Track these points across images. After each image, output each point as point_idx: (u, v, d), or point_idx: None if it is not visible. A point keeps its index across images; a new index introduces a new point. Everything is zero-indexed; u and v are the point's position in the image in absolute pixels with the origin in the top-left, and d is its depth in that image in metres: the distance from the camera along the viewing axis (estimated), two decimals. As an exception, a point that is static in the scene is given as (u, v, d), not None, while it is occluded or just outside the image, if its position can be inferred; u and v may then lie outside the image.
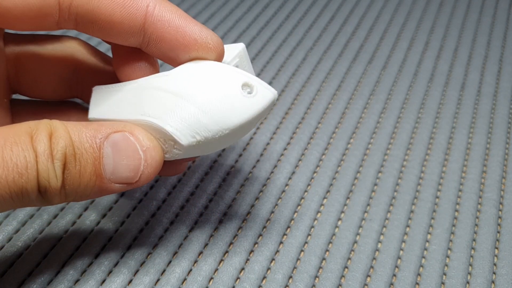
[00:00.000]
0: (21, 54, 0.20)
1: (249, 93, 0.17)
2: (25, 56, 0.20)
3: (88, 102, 0.21)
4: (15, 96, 0.21)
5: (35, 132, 0.16)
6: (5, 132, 0.16)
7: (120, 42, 0.18)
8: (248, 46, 0.33)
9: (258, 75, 0.31)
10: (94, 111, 0.19)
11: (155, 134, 0.17)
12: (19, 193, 0.15)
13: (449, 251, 0.22)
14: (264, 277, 0.21)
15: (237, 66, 0.19)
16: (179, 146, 0.17)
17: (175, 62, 0.18)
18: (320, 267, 0.21)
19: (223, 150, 0.26)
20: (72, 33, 0.33)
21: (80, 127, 0.17)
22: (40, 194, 0.16)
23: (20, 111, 0.21)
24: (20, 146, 0.15)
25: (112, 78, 0.20)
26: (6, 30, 0.20)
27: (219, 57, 0.18)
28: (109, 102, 0.18)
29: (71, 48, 0.21)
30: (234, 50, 0.19)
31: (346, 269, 0.21)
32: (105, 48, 0.32)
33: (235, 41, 0.34)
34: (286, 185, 0.24)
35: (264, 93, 0.17)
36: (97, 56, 0.21)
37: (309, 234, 0.22)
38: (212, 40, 0.18)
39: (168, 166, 0.20)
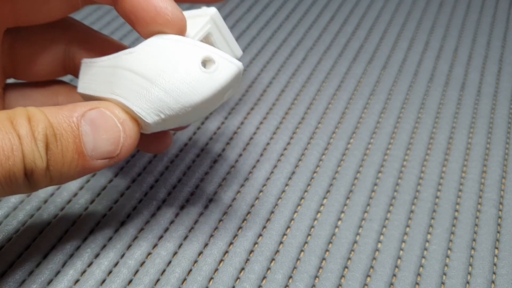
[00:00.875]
0: (16, 41, 0.20)
1: (209, 68, 0.17)
2: (19, 43, 0.20)
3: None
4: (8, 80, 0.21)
5: (13, 118, 0.16)
6: None
7: (96, 1, 0.19)
8: (248, 46, 0.33)
9: (258, 75, 0.31)
10: (81, 86, 0.20)
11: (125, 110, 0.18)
12: (7, 177, 0.16)
13: (449, 251, 0.22)
14: (264, 277, 0.21)
15: (208, 34, 0.19)
16: (146, 123, 0.18)
17: (134, 26, 0.19)
18: (320, 267, 0.21)
19: (223, 150, 0.26)
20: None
21: (55, 109, 0.17)
22: (27, 178, 0.16)
23: (9, 95, 0.21)
24: (4, 130, 0.16)
25: (104, 54, 0.21)
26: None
27: (179, 28, 0.18)
28: (92, 78, 0.19)
29: (63, 27, 0.21)
30: (204, 18, 0.18)
31: (346, 269, 0.21)
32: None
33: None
34: (286, 185, 0.24)
35: (226, 66, 0.17)
36: (87, 31, 0.21)
37: (309, 234, 0.22)
38: (172, 11, 0.18)
39: (149, 143, 0.21)
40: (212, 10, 0.18)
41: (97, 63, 0.19)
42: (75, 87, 0.21)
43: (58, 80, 0.22)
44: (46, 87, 0.22)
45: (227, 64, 0.17)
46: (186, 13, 0.19)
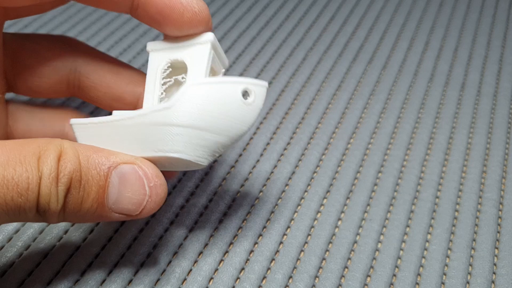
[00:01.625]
0: (19, 49, 0.20)
1: (248, 98, 0.18)
2: (22, 51, 0.20)
3: (85, 99, 0.21)
4: (10, 96, 0.21)
5: (43, 152, 0.16)
6: (11, 149, 0.15)
7: (111, 8, 0.18)
8: (248, 46, 0.33)
9: (258, 75, 0.31)
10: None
11: (169, 165, 0.18)
12: (16, 211, 0.15)
13: (449, 251, 0.22)
14: (264, 277, 0.21)
15: (213, 58, 0.19)
16: (200, 166, 0.18)
17: (161, 26, 0.18)
18: (320, 267, 0.21)
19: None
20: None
21: (91, 152, 0.17)
22: (38, 213, 0.16)
23: (14, 106, 0.21)
24: (25, 167, 0.15)
25: (111, 75, 0.21)
26: (4, 30, 0.20)
27: (206, 22, 0.18)
28: (104, 139, 0.18)
29: (69, 45, 0.21)
30: (205, 46, 0.19)
31: (346, 269, 0.21)
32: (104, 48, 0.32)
33: (235, 41, 0.34)
34: (286, 185, 0.24)
35: (260, 91, 0.18)
36: (95, 54, 0.21)
37: (309, 234, 0.22)
38: (198, 4, 0.18)
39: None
40: (211, 37, 0.19)
41: (103, 123, 0.18)
42: (86, 115, 0.21)
43: (68, 107, 0.22)
44: (55, 110, 0.21)
45: (260, 89, 0.18)
46: (184, 43, 0.19)
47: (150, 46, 0.19)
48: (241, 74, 0.31)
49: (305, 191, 0.24)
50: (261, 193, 0.24)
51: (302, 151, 0.26)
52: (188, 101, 0.17)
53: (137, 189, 0.17)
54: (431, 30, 0.36)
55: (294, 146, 0.26)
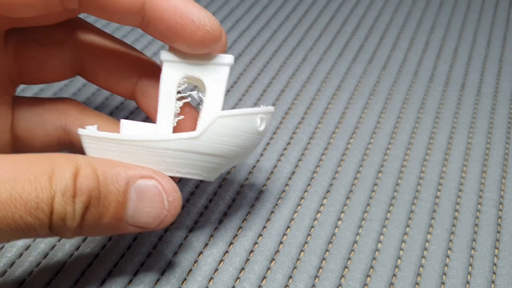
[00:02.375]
0: (20, 44, 0.20)
1: (262, 125, 0.19)
2: (24, 45, 0.20)
3: (88, 79, 0.21)
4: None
5: (57, 169, 0.15)
6: (21, 166, 0.15)
7: (121, 22, 0.18)
8: (248, 46, 0.33)
9: (258, 75, 0.31)
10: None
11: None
12: (25, 229, 0.15)
13: (449, 251, 0.22)
14: (264, 277, 0.21)
15: (227, 80, 0.19)
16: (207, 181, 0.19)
17: (172, 42, 0.18)
18: (320, 267, 0.21)
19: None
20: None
21: (108, 167, 0.16)
22: (51, 231, 0.16)
23: (19, 108, 0.21)
24: (34, 185, 0.15)
25: (112, 53, 0.20)
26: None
27: (217, 40, 0.18)
28: (118, 156, 0.18)
29: (72, 27, 0.21)
30: (225, 68, 0.19)
31: (346, 269, 0.21)
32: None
33: (235, 41, 0.34)
34: (286, 185, 0.24)
35: (268, 118, 0.19)
36: (96, 32, 0.21)
37: (309, 234, 0.22)
38: (210, 22, 0.18)
39: None
40: (231, 60, 0.19)
41: (119, 142, 0.17)
42: (86, 106, 0.21)
43: (68, 98, 0.22)
44: (56, 105, 0.21)
45: (269, 116, 0.19)
46: (202, 59, 0.19)
47: (164, 56, 0.19)
48: (241, 74, 0.31)
49: (305, 191, 0.24)
50: (261, 193, 0.24)
51: (302, 151, 0.26)
52: (214, 132, 0.18)
53: (156, 204, 0.17)
54: (431, 30, 0.36)
55: (294, 146, 0.26)
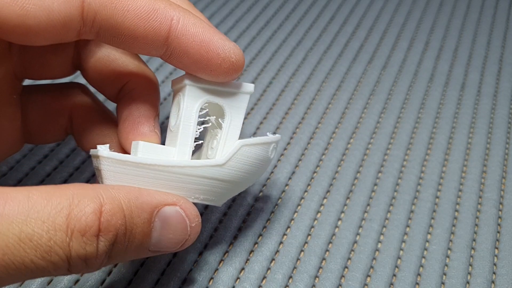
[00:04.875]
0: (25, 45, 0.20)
1: (273, 152, 0.19)
2: (29, 46, 0.19)
3: (87, 79, 0.21)
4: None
5: (76, 204, 0.14)
6: (35, 203, 0.14)
7: (142, 53, 0.18)
8: (248, 46, 0.33)
9: (258, 75, 0.31)
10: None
11: None
12: (38, 272, 0.14)
13: (449, 251, 0.22)
14: (264, 277, 0.21)
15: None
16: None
17: (196, 72, 0.18)
18: (320, 267, 0.21)
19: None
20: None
21: (133, 198, 0.16)
22: (69, 271, 0.15)
23: (28, 104, 0.21)
24: (46, 226, 0.14)
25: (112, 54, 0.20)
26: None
27: (241, 70, 0.18)
28: (138, 180, 0.17)
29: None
30: (246, 96, 0.19)
31: (346, 269, 0.21)
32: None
33: (235, 41, 0.34)
34: (286, 185, 0.24)
35: (277, 145, 0.20)
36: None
37: (309, 234, 0.22)
38: (235, 53, 0.17)
39: None
40: (252, 89, 0.19)
41: (150, 166, 0.17)
42: (92, 94, 0.21)
43: (75, 82, 0.21)
44: (64, 90, 0.21)
45: (278, 143, 0.20)
46: (229, 87, 0.19)
47: (188, 80, 0.18)
48: (241, 75, 0.31)
49: (305, 191, 0.24)
50: (261, 193, 0.24)
51: (302, 151, 0.26)
52: (237, 160, 0.18)
53: (179, 232, 0.17)
54: (431, 30, 0.36)
55: (294, 146, 0.26)
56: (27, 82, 0.21)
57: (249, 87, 0.19)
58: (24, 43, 0.16)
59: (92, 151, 0.17)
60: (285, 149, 0.26)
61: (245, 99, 0.19)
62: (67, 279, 0.20)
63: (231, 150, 0.18)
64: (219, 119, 0.19)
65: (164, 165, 0.17)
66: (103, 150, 0.17)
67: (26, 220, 0.14)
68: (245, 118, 0.28)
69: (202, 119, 0.19)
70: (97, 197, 0.15)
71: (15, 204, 0.14)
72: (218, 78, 0.18)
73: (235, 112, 0.19)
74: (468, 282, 0.21)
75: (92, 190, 0.15)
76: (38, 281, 0.20)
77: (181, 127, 0.18)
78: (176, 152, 0.18)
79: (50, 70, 0.20)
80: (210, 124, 0.19)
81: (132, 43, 0.17)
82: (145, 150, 0.18)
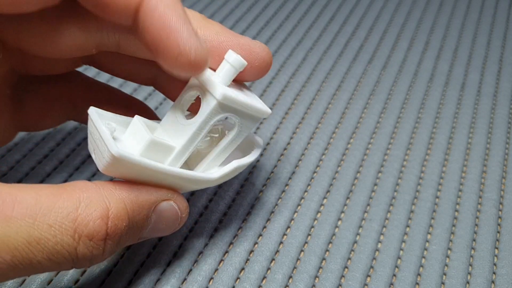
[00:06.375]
0: (24, 41, 0.19)
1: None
2: (29, 44, 0.19)
3: (105, 70, 0.21)
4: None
5: (84, 208, 0.15)
6: (42, 206, 0.14)
7: (111, 19, 0.17)
8: (248, 46, 0.33)
9: (258, 75, 0.31)
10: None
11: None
12: (42, 270, 0.15)
13: (449, 251, 0.22)
14: (264, 277, 0.21)
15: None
16: None
17: (155, 58, 0.17)
18: (320, 267, 0.21)
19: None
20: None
21: (134, 198, 0.16)
22: (74, 268, 0.15)
23: (24, 88, 0.20)
24: (53, 230, 0.14)
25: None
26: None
27: (199, 71, 0.17)
28: (138, 175, 0.17)
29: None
30: (254, 124, 0.20)
31: (346, 269, 0.21)
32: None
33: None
34: (286, 185, 0.24)
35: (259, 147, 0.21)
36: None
37: (309, 234, 0.22)
38: (196, 52, 0.16)
39: None
40: (268, 113, 0.20)
41: (161, 168, 0.17)
42: (92, 80, 0.21)
43: (74, 70, 0.21)
44: (59, 76, 0.21)
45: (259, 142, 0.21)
46: (250, 110, 0.19)
47: (222, 96, 0.18)
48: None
49: (305, 191, 0.24)
50: (261, 193, 0.24)
51: (302, 151, 0.26)
52: (228, 175, 0.19)
53: (171, 223, 0.18)
54: (431, 30, 0.36)
55: (294, 146, 0.26)
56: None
57: (266, 113, 0.19)
58: (12, 11, 0.16)
59: (90, 110, 0.17)
60: (285, 149, 0.26)
61: (257, 121, 0.20)
62: (67, 279, 0.20)
63: (227, 169, 0.19)
64: (226, 131, 0.20)
65: (158, 171, 0.17)
66: (120, 151, 0.16)
67: (34, 223, 0.14)
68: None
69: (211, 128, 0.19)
70: (103, 200, 0.15)
71: (23, 206, 0.14)
72: (173, 70, 0.17)
73: (243, 131, 0.19)
74: (468, 282, 0.21)
75: (97, 193, 0.15)
76: (38, 281, 0.20)
77: (191, 133, 0.18)
78: (176, 152, 0.18)
79: (51, 66, 0.20)
80: (217, 135, 0.20)
81: (104, 7, 0.16)
82: (143, 130, 0.18)
